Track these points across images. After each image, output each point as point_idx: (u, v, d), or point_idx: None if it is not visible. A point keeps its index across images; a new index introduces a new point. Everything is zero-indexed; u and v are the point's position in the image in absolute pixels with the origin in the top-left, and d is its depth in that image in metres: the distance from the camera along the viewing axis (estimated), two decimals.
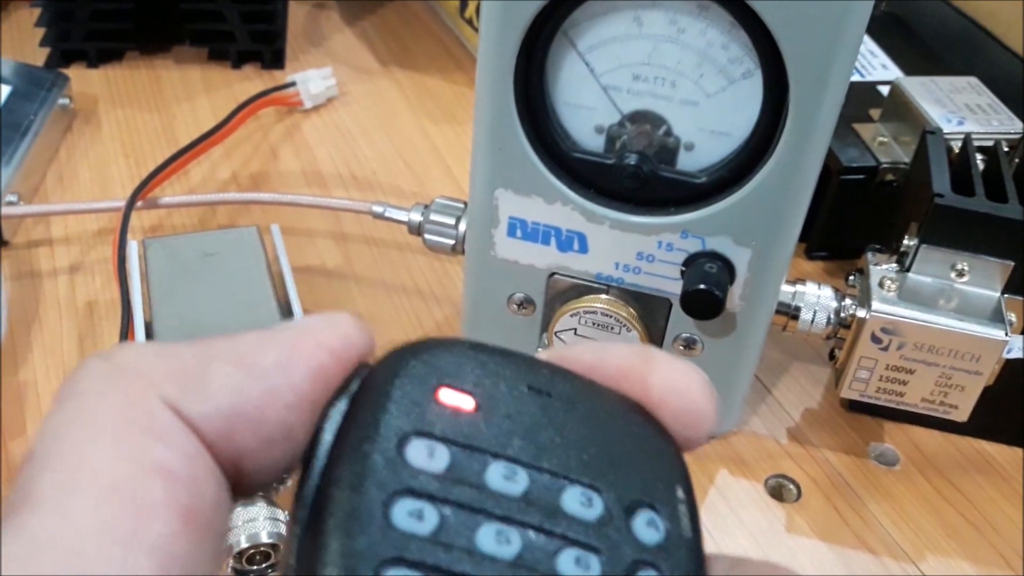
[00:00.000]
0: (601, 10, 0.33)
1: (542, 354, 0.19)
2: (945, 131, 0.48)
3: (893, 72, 0.58)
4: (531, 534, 0.15)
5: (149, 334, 0.39)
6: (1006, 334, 0.37)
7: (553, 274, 0.39)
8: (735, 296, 0.37)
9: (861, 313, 0.38)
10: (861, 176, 0.50)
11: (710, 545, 0.38)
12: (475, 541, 0.15)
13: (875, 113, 0.53)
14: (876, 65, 0.59)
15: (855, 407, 0.44)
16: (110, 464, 0.14)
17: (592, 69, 0.34)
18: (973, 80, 0.52)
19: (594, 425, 0.17)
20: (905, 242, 0.40)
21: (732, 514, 0.40)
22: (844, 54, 0.31)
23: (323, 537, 0.15)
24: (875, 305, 0.38)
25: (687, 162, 0.35)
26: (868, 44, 0.60)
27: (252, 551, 0.32)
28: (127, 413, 0.15)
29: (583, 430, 0.17)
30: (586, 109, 0.35)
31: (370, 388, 0.17)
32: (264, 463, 0.16)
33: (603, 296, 0.38)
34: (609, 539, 0.15)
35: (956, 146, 0.45)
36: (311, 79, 0.61)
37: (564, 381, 0.18)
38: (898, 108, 0.51)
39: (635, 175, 0.35)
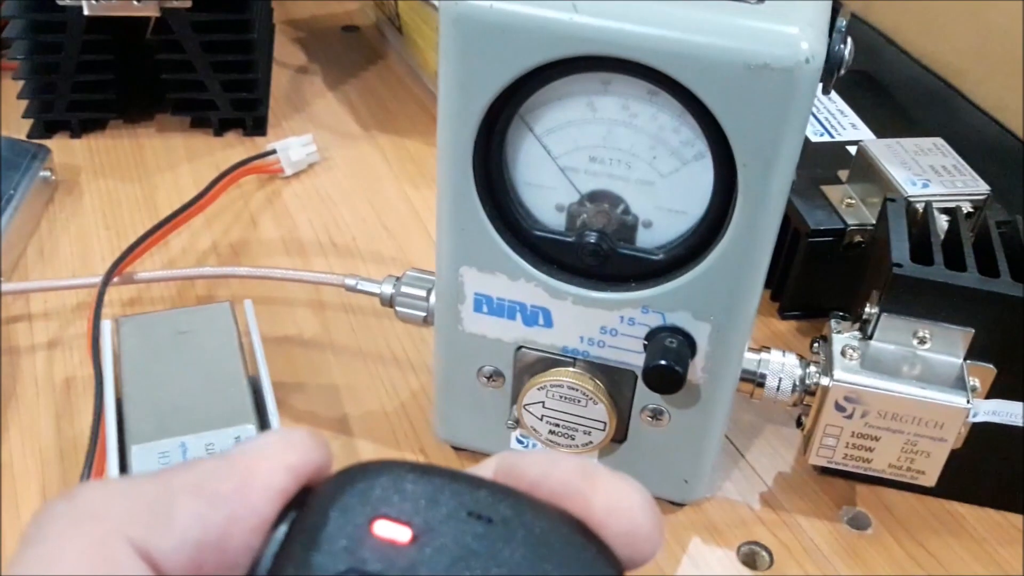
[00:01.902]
0: (556, 96, 0.34)
1: (487, 463, 0.19)
2: (910, 193, 0.48)
3: (863, 132, 0.59)
4: None
5: (120, 413, 0.39)
6: (968, 401, 0.38)
7: (520, 347, 0.39)
8: (697, 368, 0.37)
9: (824, 381, 0.39)
10: (829, 238, 0.50)
11: None
12: None
13: (843, 174, 0.54)
14: (846, 125, 0.60)
15: (827, 471, 0.44)
16: None
17: (549, 151, 0.35)
18: (939, 141, 0.53)
19: (534, 554, 0.17)
20: (867, 310, 0.40)
21: None
22: (789, 139, 0.32)
23: None
24: (837, 374, 0.38)
25: (645, 239, 0.36)
26: (838, 103, 0.61)
27: None
28: (92, 560, 0.16)
29: (522, 560, 0.17)
30: (546, 189, 0.36)
31: (306, 520, 0.17)
32: None
33: (569, 369, 0.39)
34: None
35: (922, 208, 0.45)
36: (291, 147, 0.62)
37: (506, 504, 0.17)
38: (864, 170, 0.52)
39: (595, 252, 0.36)
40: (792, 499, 0.44)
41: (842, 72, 0.33)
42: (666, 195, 0.35)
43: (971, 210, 0.49)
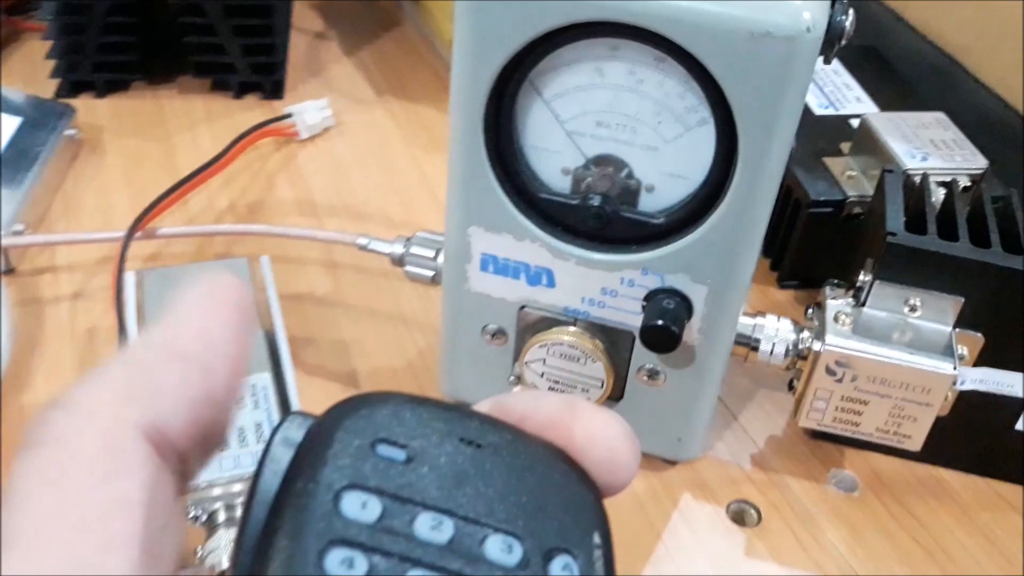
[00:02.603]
0: (565, 61, 0.35)
1: (481, 405, 0.21)
2: (909, 167, 0.50)
3: (867, 105, 0.60)
4: None
5: None
6: (954, 368, 0.39)
7: (523, 307, 0.41)
8: (693, 330, 0.39)
9: (816, 346, 0.40)
10: (829, 209, 0.52)
11: (671, 568, 0.40)
12: None
13: (846, 147, 0.55)
14: (850, 98, 0.61)
15: (816, 434, 0.46)
16: (78, 506, 0.16)
17: (557, 116, 0.36)
18: (940, 115, 0.54)
19: (519, 475, 0.19)
20: (861, 277, 0.42)
21: (694, 538, 0.42)
22: (788, 107, 0.33)
23: (269, 565, 0.17)
24: (829, 339, 0.40)
25: (647, 203, 0.37)
26: (844, 77, 0.62)
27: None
28: (104, 453, 0.17)
29: (508, 480, 0.18)
30: (552, 152, 0.37)
31: (312, 441, 0.19)
32: (218, 428, 0.19)
33: (570, 328, 0.40)
34: None
35: (919, 180, 0.47)
36: (307, 111, 0.64)
37: (494, 432, 0.19)
38: (866, 143, 0.53)
39: (598, 215, 0.37)
40: (782, 461, 0.45)
41: (843, 43, 0.34)
42: (669, 160, 0.36)
43: (968, 184, 0.50)
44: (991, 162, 0.51)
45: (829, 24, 0.33)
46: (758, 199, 0.35)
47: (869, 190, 0.51)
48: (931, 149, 0.51)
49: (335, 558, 0.16)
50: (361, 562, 0.16)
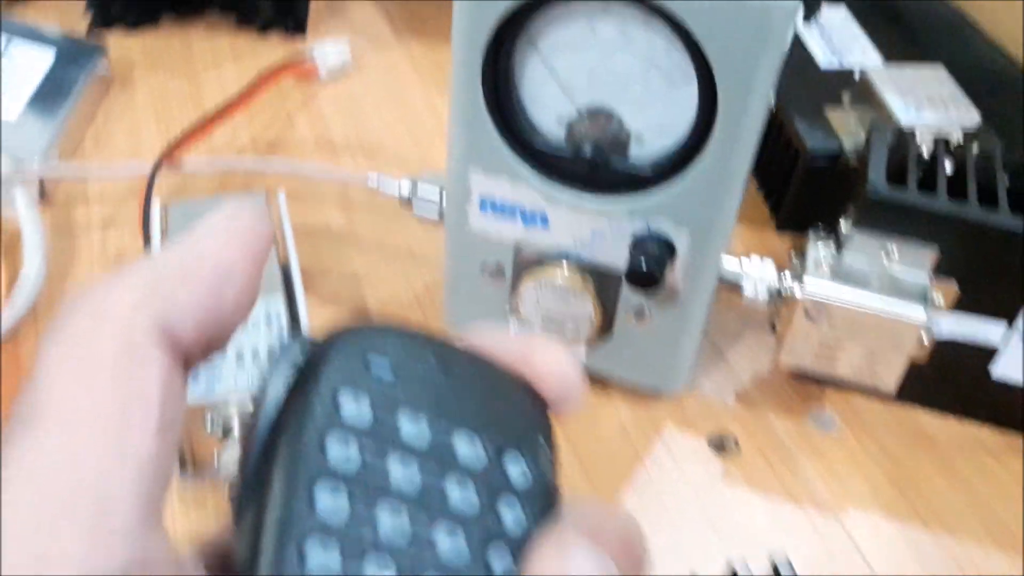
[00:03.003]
0: (560, 17, 0.37)
1: (459, 339, 0.24)
2: (903, 121, 0.51)
3: (872, 57, 0.61)
4: (428, 463, 0.20)
5: None
6: (926, 315, 0.41)
7: (519, 246, 0.43)
8: (677, 271, 0.41)
9: (796, 290, 0.43)
10: (825, 160, 0.53)
11: (652, 492, 0.43)
12: (387, 463, 0.20)
13: (847, 99, 0.57)
14: (856, 50, 0.62)
15: (800, 376, 0.48)
16: (100, 396, 0.19)
17: (552, 69, 0.38)
18: (939, 70, 0.56)
19: (482, 391, 0.22)
20: (842, 226, 0.44)
21: (675, 466, 0.45)
22: (765, 70, 0.35)
23: (276, 455, 0.20)
24: (807, 283, 0.42)
25: (636, 153, 0.39)
26: (852, 29, 0.63)
27: None
28: (109, 354, 0.20)
29: (473, 393, 0.22)
30: (548, 103, 0.39)
31: (315, 357, 0.22)
32: (221, 339, 0.21)
33: (562, 268, 0.43)
34: (485, 470, 0.21)
35: (916, 135, 0.48)
36: (328, 51, 0.66)
37: (467, 359, 0.23)
38: (865, 96, 0.54)
39: (589, 163, 0.40)
40: (764, 397, 0.48)
41: (820, 7, 0.36)
42: (656, 114, 0.38)
43: (961, 138, 0.52)
44: (986, 117, 0.52)
45: None
46: (736, 153, 0.37)
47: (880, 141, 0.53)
48: (926, 104, 0.53)
49: (333, 442, 0.20)
50: (354, 448, 0.20)
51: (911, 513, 0.44)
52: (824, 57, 0.61)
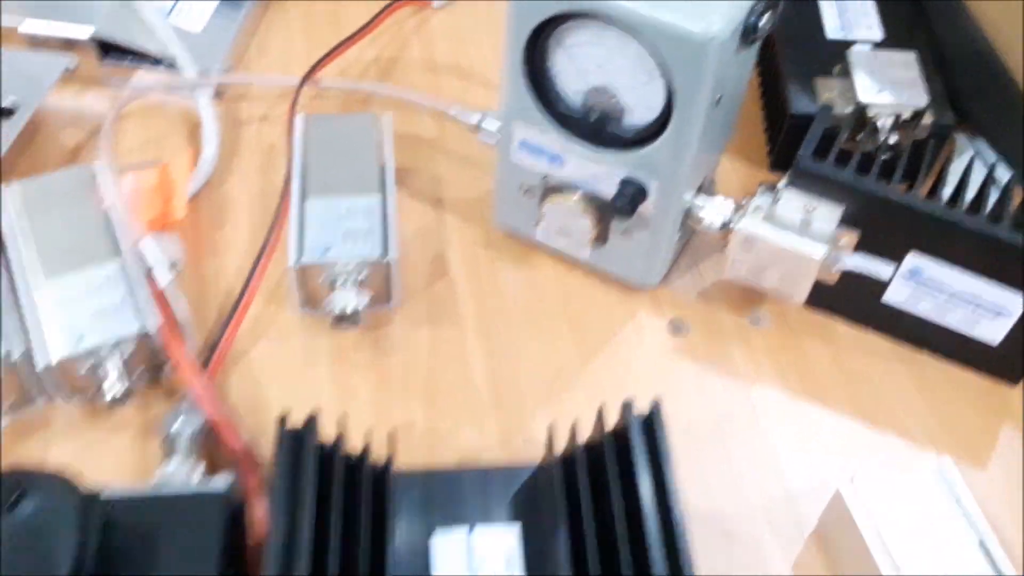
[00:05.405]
0: (577, 27, 0.54)
1: None
2: (860, 98, 0.66)
3: (875, 35, 0.75)
4: None
5: (303, 175, 0.63)
6: (823, 252, 0.58)
7: (545, 176, 0.61)
8: (649, 206, 0.59)
9: (737, 225, 0.60)
10: (805, 121, 0.68)
11: (620, 355, 0.62)
12: None
13: (836, 71, 0.71)
14: (863, 26, 0.75)
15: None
16: None
17: (572, 58, 0.56)
18: (911, 56, 0.69)
19: None
20: (780, 183, 0.60)
21: (640, 339, 0.63)
22: (704, 83, 0.51)
23: None
24: (744, 222, 0.59)
25: (627, 122, 0.57)
26: (865, 5, 0.76)
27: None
28: None
29: None
30: (569, 81, 0.57)
31: None
32: None
33: (574, 196, 0.61)
34: None
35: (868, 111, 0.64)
36: None
37: None
38: (845, 71, 0.69)
39: (594, 125, 0.57)
40: (719, 298, 0.65)
41: (757, 35, 0.52)
42: (640, 97, 0.55)
43: (909, 117, 0.67)
44: (932, 100, 0.66)
45: (744, 26, 0.51)
46: (685, 134, 0.54)
47: (839, 111, 0.68)
48: (887, 85, 0.67)
49: None
50: None
51: (804, 391, 0.61)
52: (832, 27, 0.75)
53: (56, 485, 0.38)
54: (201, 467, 0.48)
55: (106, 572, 0.38)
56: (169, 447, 0.48)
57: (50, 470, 0.39)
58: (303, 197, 0.62)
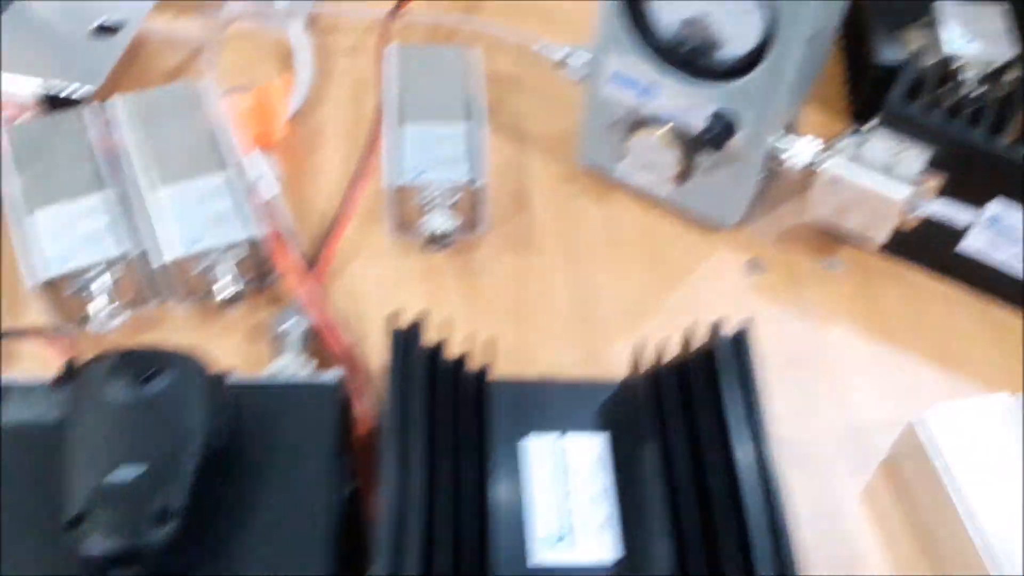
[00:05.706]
0: None
1: None
2: (946, 49, 0.67)
3: None
4: None
5: (400, 102, 0.65)
6: (907, 193, 0.59)
7: (634, 109, 0.63)
8: (737, 141, 0.60)
9: (823, 165, 0.61)
10: (888, 72, 0.69)
11: (697, 290, 0.63)
12: None
13: (924, 20, 0.71)
14: None
15: (824, 228, 0.67)
16: None
17: None
18: (1004, 7, 0.70)
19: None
20: (869, 124, 0.61)
21: (718, 275, 0.65)
22: (801, 22, 0.52)
23: None
24: (829, 162, 0.60)
25: (719, 55, 0.58)
26: None
27: None
28: None
29: None
30: (665, 10, 0.58)
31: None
32: None
33: (662, 129, 0.62)
34: None
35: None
36: None
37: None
38: (931, 23, 0.69)
39: (688, 56, 0.58)
40: (796, 240, 0.66)
41: None
42: (735, 31, 0.56)
43: (996, 69, 0.67)
44: (1020, 54, 0.67)
45: None
46: (783, 65, 0.55)
47: (925, 62, 0.68)
48: (976, 37, 0.67)
49: None
50: None
51: (877, 334, 0.63)
52: None
53: (188, 363, 0.40)
54: (312, 364, 0.50)
55: (232, 447, 0.40)
56: (279, 345, 0.51)
57: (182, 350, 0.41)
58: (398, 123, 0.64)
